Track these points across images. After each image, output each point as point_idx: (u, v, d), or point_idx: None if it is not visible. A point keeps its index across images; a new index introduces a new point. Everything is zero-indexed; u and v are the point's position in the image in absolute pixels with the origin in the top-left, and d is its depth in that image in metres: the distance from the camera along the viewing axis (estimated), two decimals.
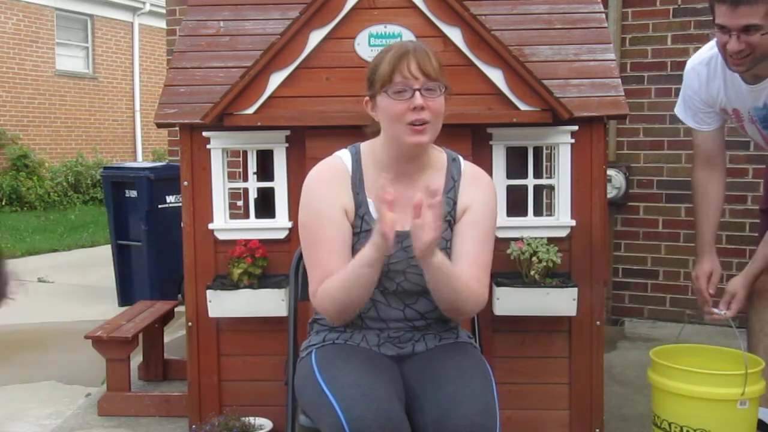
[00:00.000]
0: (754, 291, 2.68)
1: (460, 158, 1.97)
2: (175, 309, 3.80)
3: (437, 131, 1.84)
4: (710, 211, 2.70)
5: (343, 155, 1.93)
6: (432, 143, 1.92)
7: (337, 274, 1.79)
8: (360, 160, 1.91)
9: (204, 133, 2.68)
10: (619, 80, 2.69)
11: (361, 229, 1.86)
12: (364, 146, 1.94)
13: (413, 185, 1.89)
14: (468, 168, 1.96)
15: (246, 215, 2.78)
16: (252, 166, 2.95)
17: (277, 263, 2.67)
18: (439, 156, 1.95)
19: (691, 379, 2.34)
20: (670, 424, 2.39)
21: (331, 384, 1.71)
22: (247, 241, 2.64)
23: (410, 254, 1.84)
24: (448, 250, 1.88)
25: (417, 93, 1.77)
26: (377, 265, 1.74)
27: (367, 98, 1.88)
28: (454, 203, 1.90)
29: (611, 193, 4.36)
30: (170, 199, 5.12)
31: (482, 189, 1.93)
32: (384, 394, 1.66)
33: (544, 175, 3.08)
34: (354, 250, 1.85)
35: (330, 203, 1.85)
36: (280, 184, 2.69)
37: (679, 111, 2.73)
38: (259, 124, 2.60)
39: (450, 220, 1.90)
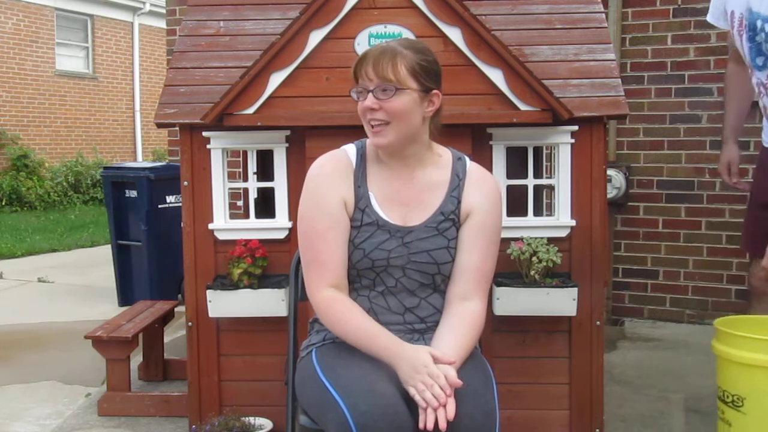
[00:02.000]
0: (753, 293, 2.69)
1: (466, 158, 1.98)
2: (175, 309, 3.80)
3: (403, 133, 1.84)
4: (735, 100, 2.93)
5: (349, 149, 1.96)
6: (432, 142, 1.93)
7: (350, 315, 1.81)
8: (365, 154, 1.93)
9: (204, 133, 2.68)
10: (619, 80, 2.69)
11: (361, 222, 1.87)
12: (369, 142, 1.95)
13: (413, 182, 1.91)
14: (474, 168, 1.96)
15: (246, 215, 2.78)
16: (252, 166, 2.95)
17: (277, 263, 2.67)
18: (442, 154, 1.96)
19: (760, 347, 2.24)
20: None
21: (334, 381, 1.71)
22: (247, 241, 2.64)
23: (411, 250, 1.86)
24: (451, 249, 1.89)
25: (369, 95, 1.82)
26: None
27: None
28: (459, 202, 1.91)
29: (611, 193, 4.36)
30: (170, 199, 5.12)
31: (488, 193, 1.93)
32: (388, 390, 1.66)
33: (544, 175, 3.08)
34: (353, 244, 1.86)
35: (329, 195, 1.86)
36: (280, 184, 2.69)
37: (709, 15, 2.89)
38: (259, 124, 2.60)
39: (454, 218, 1.90)
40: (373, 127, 1.84)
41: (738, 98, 2.94)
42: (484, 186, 1.94)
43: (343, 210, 1.86)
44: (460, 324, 1.83)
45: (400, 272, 1.86)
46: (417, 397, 1.65)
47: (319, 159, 1.95)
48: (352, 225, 1.87)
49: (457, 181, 1.92)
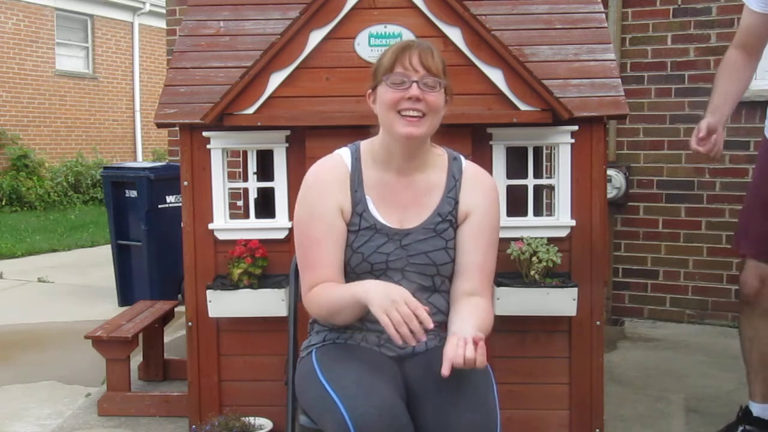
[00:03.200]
0: (743, 298, 2.68)
1: (462, 157, 1.98)
2: (175, 309, 3.80)
3: (433, 127, 1.85)
4: (730, 85, 2.62)
5: (343, 153, 1.94)
6: (431, 143, 1.93)
7: (330, 289, 1.81)
8: (360, 158, 1.92)
9: (204, 133, 2.68)
10: (619, 80, 2.69)
11: (359, 226, 1.87)
12: (364, 144, 1.95)
13: (413, 184, 1.90)
14: (469, 167, 1.96)
15: (246, 215, 2.78)
16: (252, 166, 2.95)
17: (277, 263, 2.67)
18: (440, 156, 1.95)
19: None
20: None
21: (333, 382, 1.71)
22: (247, 241, 2.65)
23: (409, 252, 1.85)
24: (449, 250, 1.88)
25: (414, 84, 1.79)
26: (361, 307, 1.73)
27: (369, 91, 1.89)
28: (456, 202, 1.91)
29: (611, 193, 4.36)
30: (170, 199, 5.12)
31: (485, 192, 1.93)
32: (386, 392, 1.66)
33: (544, 175, 3.08)
34: (352, 248, 1.86)
35: (325, 202, 1.86)
36: (280, 184, 2.69)
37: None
38: (259, 124, 2.60)
39: (451, 219, 1.90)
40: (406, 117, 1.80)
41: (734, 86, 2.65)
42: (481, 185, 1.94)
43: (339, 217, 1.86)
44: (472, 310, 1.80)
45: (399, 275, 1.86)
46: (390, 330, 1.59)
47: (313, 166, 1.94)
48: (350, 229, 1.87)
49: (453, 182, 1.92)
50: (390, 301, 1.62)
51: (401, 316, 1.59)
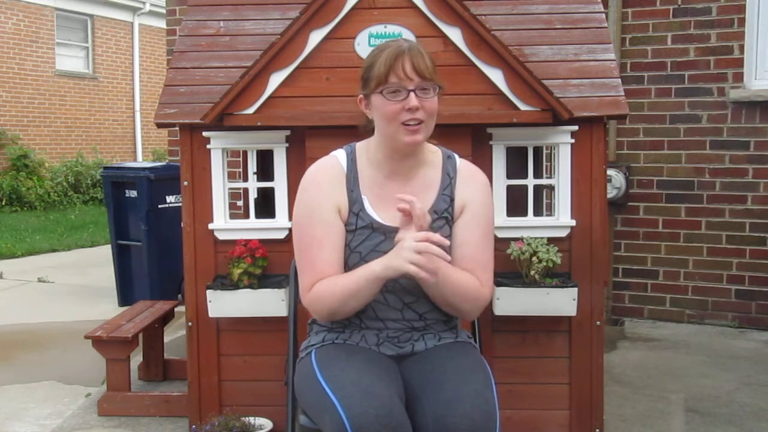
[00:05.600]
0: None
1: (456, 156, 1.99)
2: (175, 309, 3.80)
3: (431, 130, 1.86)
4: None
5: (339, 154, 1.95)
6: (426, 141, 1.93)
7: (336, 279, 1.82)
8: (355, 158, 1.93)
9: (204, 133, 2.68)
10: (619, 80, 2.69)
11: (356, 226, 1.87)
12: (360, 145, 1.96)
13: (408, 183, 1.91)
14: (463, 165, 1.97)
15: (246, 215, 2.79)
16: (252, 166, 2.95)
17: (277, 263, 2.67)
18: (434, 154, 1.96)
19: None
20: None
21: (331, 382, 1.71)
22: (247, 241, 2.65)
23: None
24: (447, 248, 1.88)
25: (412, 94, 1.79)
26: (381, 284, 1.77)
27: (361, 96, 1.90)
28: (451, 200, 1.92)
29: (611, 193, 4.37)
30: (170, 199, 5.12)
31: (479, 188, 1.94)
32: (384, 392, 1.66)
33: (544, 175, 3.08)
34: (349, 248, 1.86)
35: (323, 202, 1.87)
36: (280, 184, 2.69)
37: None
38: (259, 124, 2.60)
39: (447, 216, 1.90)
40: (407, 127, 1.81)
41: None
42: (476, 181, 1.95)
43: (337, 216, 1.87)
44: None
45: None
46: (422, 274, 1.68)
47: (310, 168, 1.95)
48: (348, 229, 1.87)
49: (449, 179, 1.93)
50: (400, 257, 1.70)
51: (424, 258, 1.68)
